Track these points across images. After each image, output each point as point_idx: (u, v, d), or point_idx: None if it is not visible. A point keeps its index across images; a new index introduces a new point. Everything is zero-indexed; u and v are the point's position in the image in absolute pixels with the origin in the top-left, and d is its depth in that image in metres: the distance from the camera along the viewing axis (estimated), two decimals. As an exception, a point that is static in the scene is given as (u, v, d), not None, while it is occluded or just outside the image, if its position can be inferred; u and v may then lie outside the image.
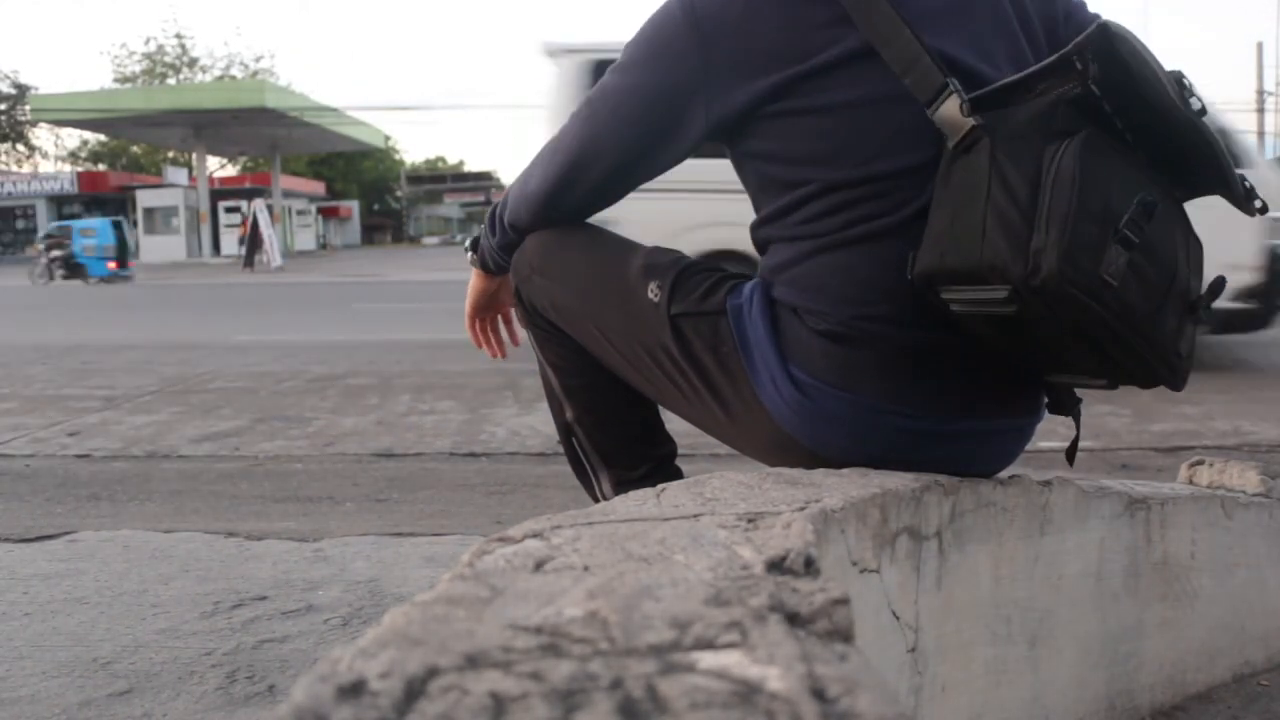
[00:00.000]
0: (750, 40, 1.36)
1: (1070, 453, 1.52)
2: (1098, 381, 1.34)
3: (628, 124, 1.47)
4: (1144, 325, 1.23)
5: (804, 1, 1.35)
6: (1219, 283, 1.31)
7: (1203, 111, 1.24)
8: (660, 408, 1.76)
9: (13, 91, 45.32)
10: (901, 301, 1.33)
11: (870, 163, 1.33)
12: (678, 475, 1.78)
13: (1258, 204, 1.30)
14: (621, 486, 1.78)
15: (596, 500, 1.84)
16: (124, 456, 3.85)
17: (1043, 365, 1.35)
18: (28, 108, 42.04)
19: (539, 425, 4.36)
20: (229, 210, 35.42)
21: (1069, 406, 1.47)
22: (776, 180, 1.41)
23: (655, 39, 1.44)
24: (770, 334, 1.42)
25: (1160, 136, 1.23)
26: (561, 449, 1.90)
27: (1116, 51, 1.17)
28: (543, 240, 1.73)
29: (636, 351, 1.60)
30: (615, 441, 1.86)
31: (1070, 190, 1.14)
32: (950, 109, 1.25)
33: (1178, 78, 1.23)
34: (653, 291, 1.55)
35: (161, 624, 1.97)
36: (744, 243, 1.66)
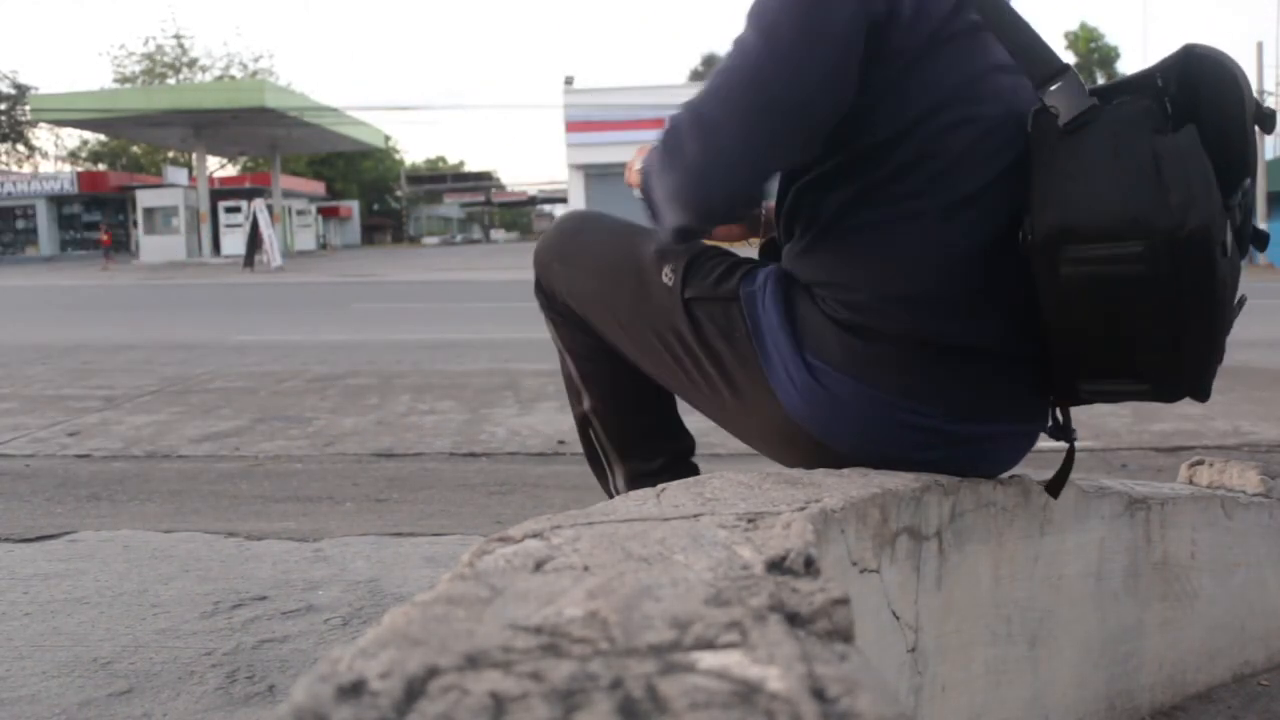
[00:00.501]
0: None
1: (1056, 486, 1.52)
2: (1138, 388, 1.36)
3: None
4: (1228, 306, 1.29)
5: None
6: (1241, 299, 1.37)
7: (1272, 126, 1.32)
8: (679, 402, 1.77)
9: (13, 91, 45.38)
10: (933, 285, 1.35)
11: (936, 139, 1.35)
12: (694, 472, 1.80)
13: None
14: (637, 480, 1.79)
15: (610, 495, 1.86)
16: (124, 456, 3.85)
17: (1097, 363, 1.36)
18: (28, 108, 42.06)
19: (539, 425, 4.36)
20: (229, 210, 35.41)
21: (1068, 433, 1.47)
22: (854, 137, 1.38)
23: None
24: (785, 320, 1.43)
25: (1221, 145, 1.28)
26: (580, 444, 1.92)
27: (1193, 71, 1.28)
28: (562, 228, 1.79)
29: (649, 336, 1.62)
30: (631, 432, 1.88)
31: (1203, 161, 1.21)
32: (1069, 88, 1.29)
33: (1257, 102, 1.30)
34: (666, 275, 1.56)
35: (161, 624, 1.97)
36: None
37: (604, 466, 1.91)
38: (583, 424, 1.90)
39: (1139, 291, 1.24)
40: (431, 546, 2.52)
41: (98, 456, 3.85)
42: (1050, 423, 1.48)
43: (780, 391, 1.44)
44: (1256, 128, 1.30)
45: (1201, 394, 1.34)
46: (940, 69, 1.35)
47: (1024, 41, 1.35)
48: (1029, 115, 1.32)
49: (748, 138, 1.35)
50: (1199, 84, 1.27)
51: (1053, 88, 1.30)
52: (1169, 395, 1.36)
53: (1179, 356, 1.29)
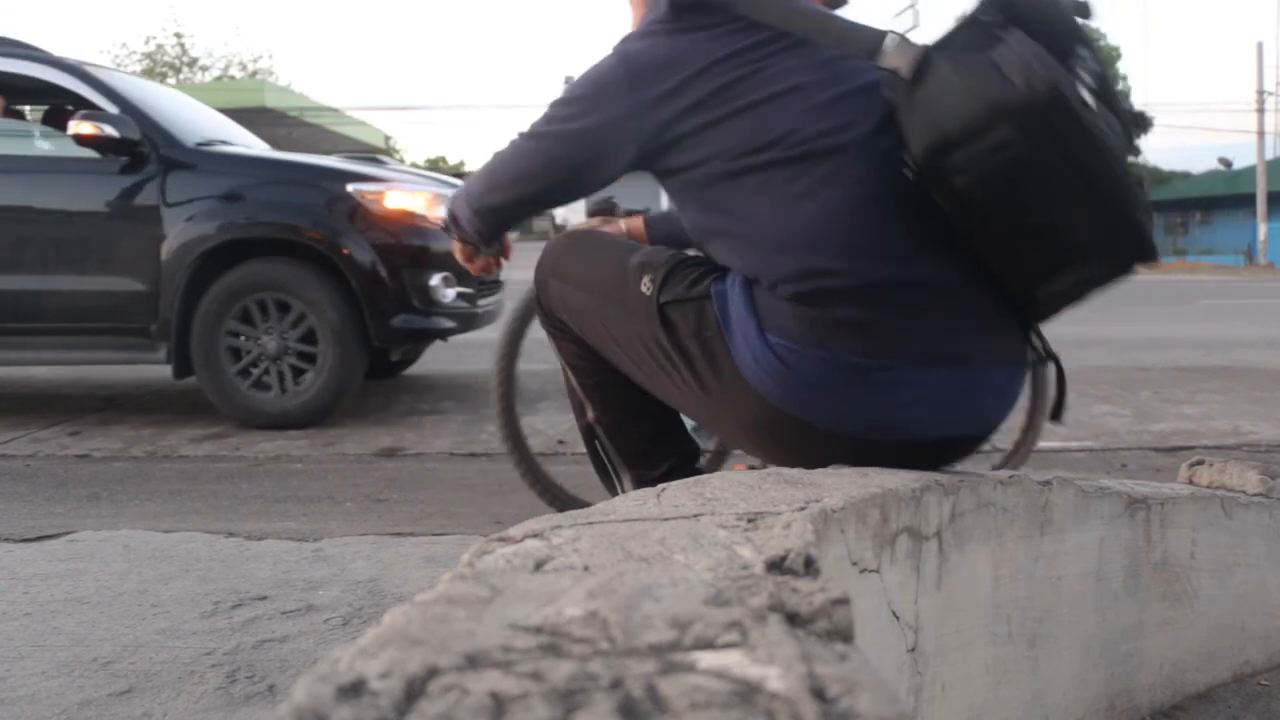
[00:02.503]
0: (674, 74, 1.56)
1: (1057, 410, 1.68)
2: (1088, 271, 1.45)
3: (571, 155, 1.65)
4: (1121, 164, 1.37)
5: (722, 37, 1.55)
6: (1144, 178, 1.47)
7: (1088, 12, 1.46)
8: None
9: (13, 91, 45.27)
10: (862, 240, 1.46)
11: (800, 140, 1.49)
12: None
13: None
14: (643, 485, 1.81)
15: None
16: (124, 457, 3.85)
17: (1036, 262, 1.45)
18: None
19: (540, 425, 4.36)
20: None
21: (1049, 355, 1.60)
22: (716, 176, 1.53)
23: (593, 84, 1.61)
24: (749, 309, 1.50)
25: (1047, 36, 1.39)
26: (586, 453, 1.98)
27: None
28: (557, 246, 1.88)
29: (636, 347, 1.67)
30: (635, 440, 1.95)
31: (1033, 45, 1.32)
32: (898, 48, 1.42)
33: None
34: (645, 285, 1.65)
35: (161, 624, 1.97)
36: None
37: (611, 474, 1.95)
38: (588, 434, 1.95)
39: (1029, 170, 1.32)
40: (431, 546, 2.52)
41: (98, 456, 3.85)
42: (1030, 354, 1.59)
43: (754, 379, 1.50)
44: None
45: (1148, 252, 1.41)
46: (776, 88, 1.51)
47: (837, 32, 1.50)
48: (879, 83, 1.47)
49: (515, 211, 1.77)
50: (1016, 5, 1.39)
51: (883, 53, 1.43)
52: (1118, 265, 1.43)
53: (1100, 215, 1.37)
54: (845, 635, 0.57)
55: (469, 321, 4.84)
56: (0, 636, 1.90)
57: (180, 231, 4.42)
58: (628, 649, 0.50)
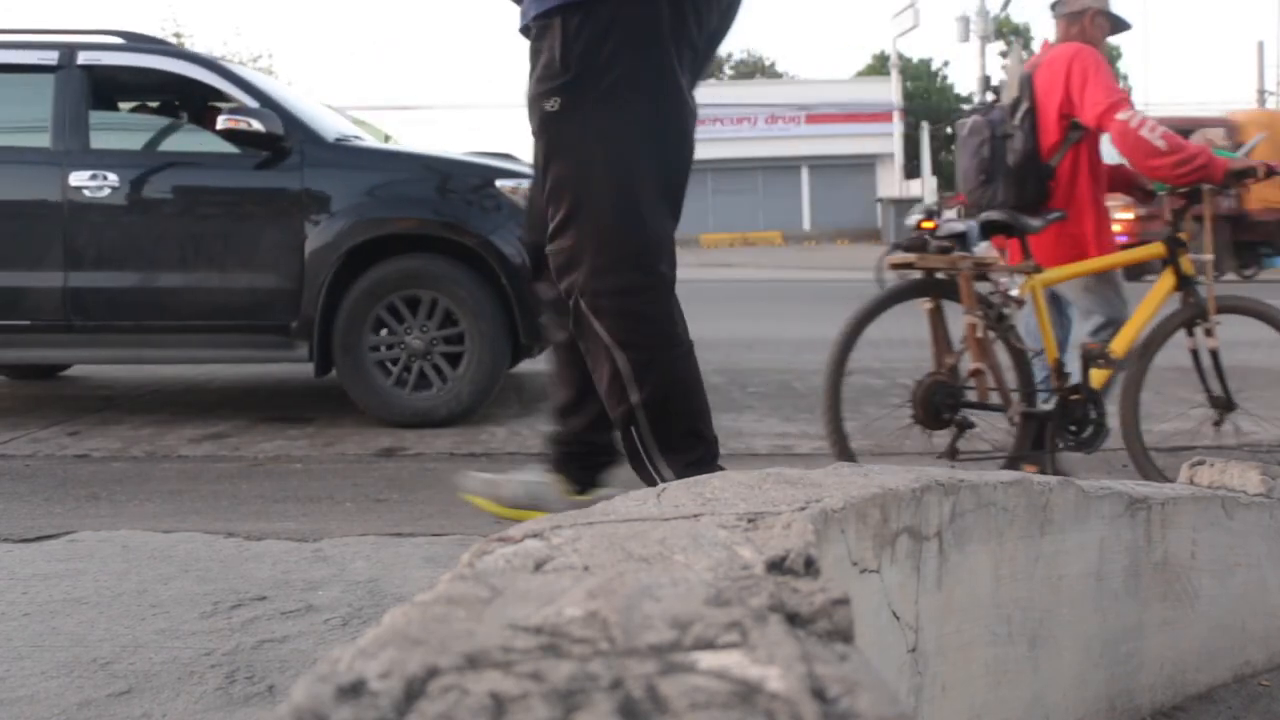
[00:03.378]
0: None
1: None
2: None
3: None
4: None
5: None
6: None
7: None
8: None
9: (13, 91, 45.21)
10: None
11: None
12: (720, 469, 1.96)
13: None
14: (687, 471, 2.04)
15: None
16: (123, 457, 3.85)
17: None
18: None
19: (540, 425, 4.35)
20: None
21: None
22: None
23: None
24: None
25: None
26: (621, 443, 2.22)
27: None
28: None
29: None
30: (678, 419, 2.15)
31: None
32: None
33: None
34: None
35: (161, 624, 1.97)
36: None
37: (647, 463, 2.06)
38: (626, 422, 2.07)
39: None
40: (431, 546, 2.52)
41: (97, 456, 3.85)
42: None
43: None
44: None
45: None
46: None
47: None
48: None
49: None
50: None
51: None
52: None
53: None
54: (845, 635, 0.57)
55: None
56: None
57: (324, 227, 4.36)
58: (628, 649, 0.50)
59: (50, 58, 4.49)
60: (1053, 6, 3.65)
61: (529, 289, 4.41)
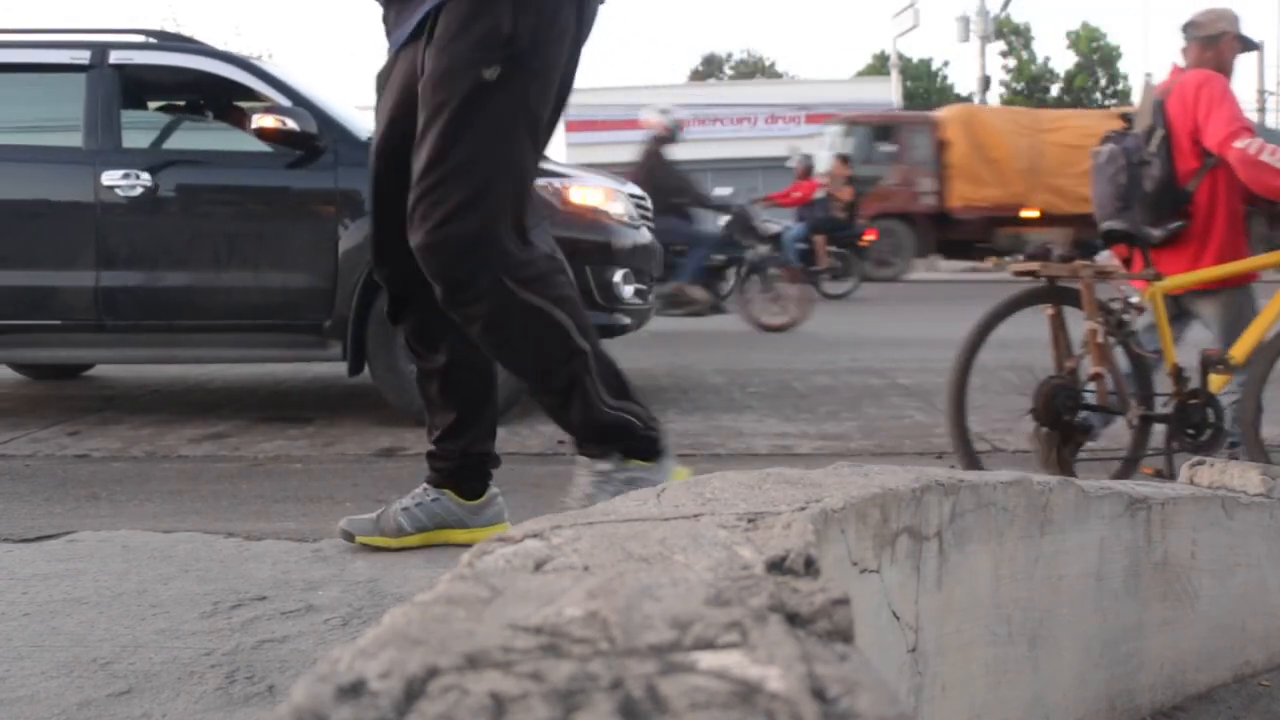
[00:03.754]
0: None
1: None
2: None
3: None
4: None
5: None
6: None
7: None
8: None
9: (13, 91, 45.22)
10: None
11: None
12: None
13: None
14: (638, 408, 2.28)
15: (635, 428, 2.27)
16: (123, 457, 3.85)
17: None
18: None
19: (540, 425, 4.35)
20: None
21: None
22: None
23: None
24: None
25: None
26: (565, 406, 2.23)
27: None
28: None
29: None
30: (609, 371, 2.26)
31: None
32: None
33: None
34: None
35: (161, 624, 1.97)
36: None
37: (606, 408, 2.14)
38: (576, 375, 2.18)
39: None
40: (431, 547, 2.52)
41: (97, 456, 3.85)
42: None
43: None
44: None
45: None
46: None
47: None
48: None
49: None
50: None
51: None
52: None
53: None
54: (845, 635, 0.57)
55: (642, 318, 4.82)
56: (-1, 637, 1.90)
57: (359, 227, 4.30)
58: (628, 649, 0.50)
59: (82, 57, 4.48)
60: (1184, 28, 3.69)
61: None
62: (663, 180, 8.02)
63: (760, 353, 7.06)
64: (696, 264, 8.24)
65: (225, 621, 1.98)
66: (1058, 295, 3.31)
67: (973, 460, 3.29)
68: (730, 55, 49.60)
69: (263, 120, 4.22)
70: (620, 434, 2.23)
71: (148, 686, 1.69)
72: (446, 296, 2.09)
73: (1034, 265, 3.38)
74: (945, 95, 40.54)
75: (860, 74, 40.37)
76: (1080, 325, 3.29)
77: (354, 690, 0.44)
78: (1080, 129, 17.30)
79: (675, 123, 8.53)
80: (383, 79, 2.33)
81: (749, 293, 8.65)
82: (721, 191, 9.90)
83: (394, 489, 3.34)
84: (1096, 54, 39.76)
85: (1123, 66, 40.92)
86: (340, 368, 4.58)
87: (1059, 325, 3.32)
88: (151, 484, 3.36)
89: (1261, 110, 31.98)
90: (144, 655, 1.82)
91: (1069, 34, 40.36)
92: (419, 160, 2.06)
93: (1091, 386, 3.26)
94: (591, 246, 4.46)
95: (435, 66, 2.05)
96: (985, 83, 31.38)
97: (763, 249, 8.95)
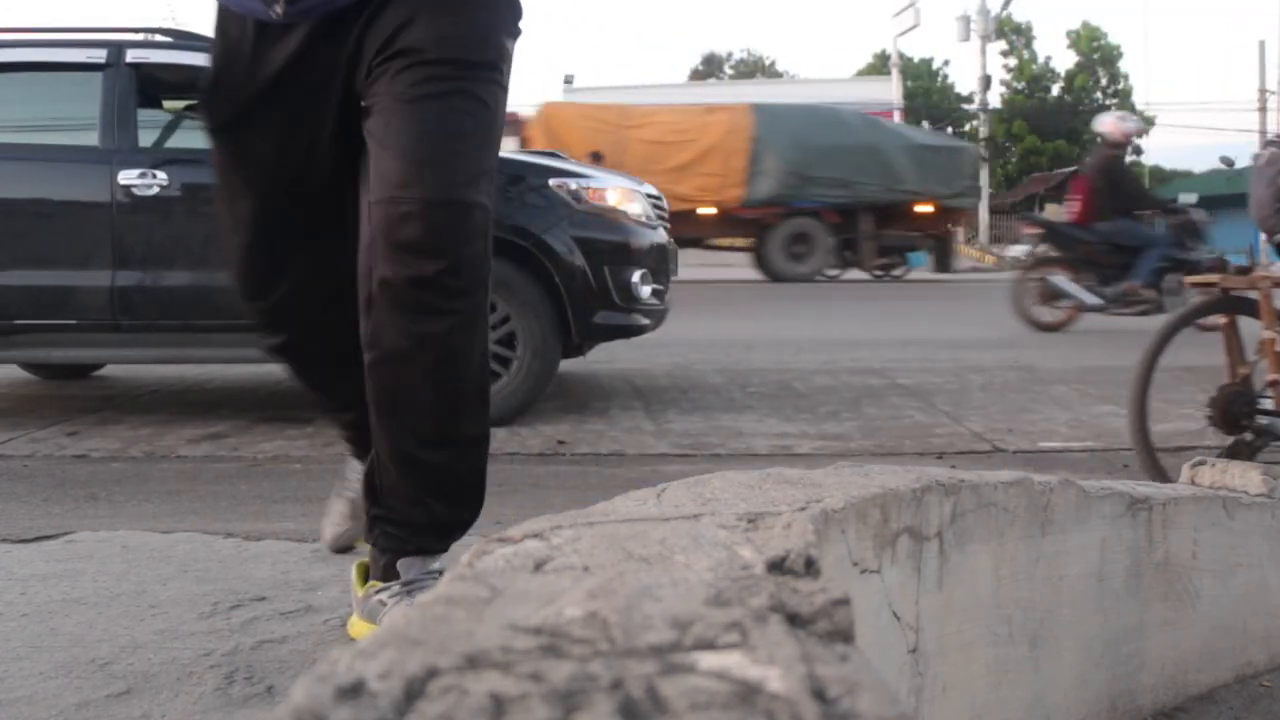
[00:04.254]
0: None
1: None
2: None
3: None
4: None
5: None
6: None
7: None
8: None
9: (12, 92, 45.24)
10: None
11: None
12: None
13: None
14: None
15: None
16: (122, 457, 3.85)
17: None
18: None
19: (540, 425, 4.35)
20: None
21: None
22: None
23: None
24: None
25: None
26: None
27: None
28: None
29: None
30: None
31: None
32: None
33: None
34: None
35: (160, 625, 1.97)
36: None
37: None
38: (487, 432, 1.89)
39: None
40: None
41: (95, 457, 3.85)
42: None
43: None
44: None
45: None
46: None
47: None
48: None
49: None
50: None
51: None
52: None
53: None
54: (846, 636, 0.57)
55: (660, 318, 4.82)
56: (-2, 637, 1.90)
57: None
58: (628, 649, 0.50)
59: (99, 55, 4.47)
60: None
61: (584, 289, 4.43)
62: (1123, 185, 8.74)
63: (760, 353, 7.06)
64: (1150, 265, 8.47)
65: (224, 622, 1.98)
66: (1233, 305, 3.44)
67: (1156, 467, 3.38)
68: (730, 55, 49.63)
69: None
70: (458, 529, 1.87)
71: (147, 687, 1.68)
72: (436, 278, 1.69)
73: (1214, 277, 3.57)
74: (946, 95, 40.59)
75: (861, 73, 40.35)
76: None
77: (353, 691, 0.44)
78: (668, 125, 17.41)
79: (1133, 129, 9.06)
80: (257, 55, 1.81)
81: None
82: (1186, 198, 10.09)
83: (393, 489, 3.34)
84: (1097, 54, 39.76)
85: (1123, 65, 40.94)
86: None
87: (1232, 334, 3.45)
88: (150, 484, 3.36)
89: (1263, 110, 31.97)
90: (143, 656, 1.81)
91: (1069, 33, 40.39)
92: (421, 124, 1.72)
93: (1269, 393, 3.37)
94: (609, 246, 4.46)
95: (453, 33, 1.77)
96: (986, 82, 31.41)
97: (1206, 252, 9.07)
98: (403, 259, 1.67)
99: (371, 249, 1.71)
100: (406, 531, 1.79)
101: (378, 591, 1.79)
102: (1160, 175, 41.91)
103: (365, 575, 1.86)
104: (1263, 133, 31.79)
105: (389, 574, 1.80)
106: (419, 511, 1.78)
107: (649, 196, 4.93)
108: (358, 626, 1.84)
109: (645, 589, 0.61)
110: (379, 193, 1.70)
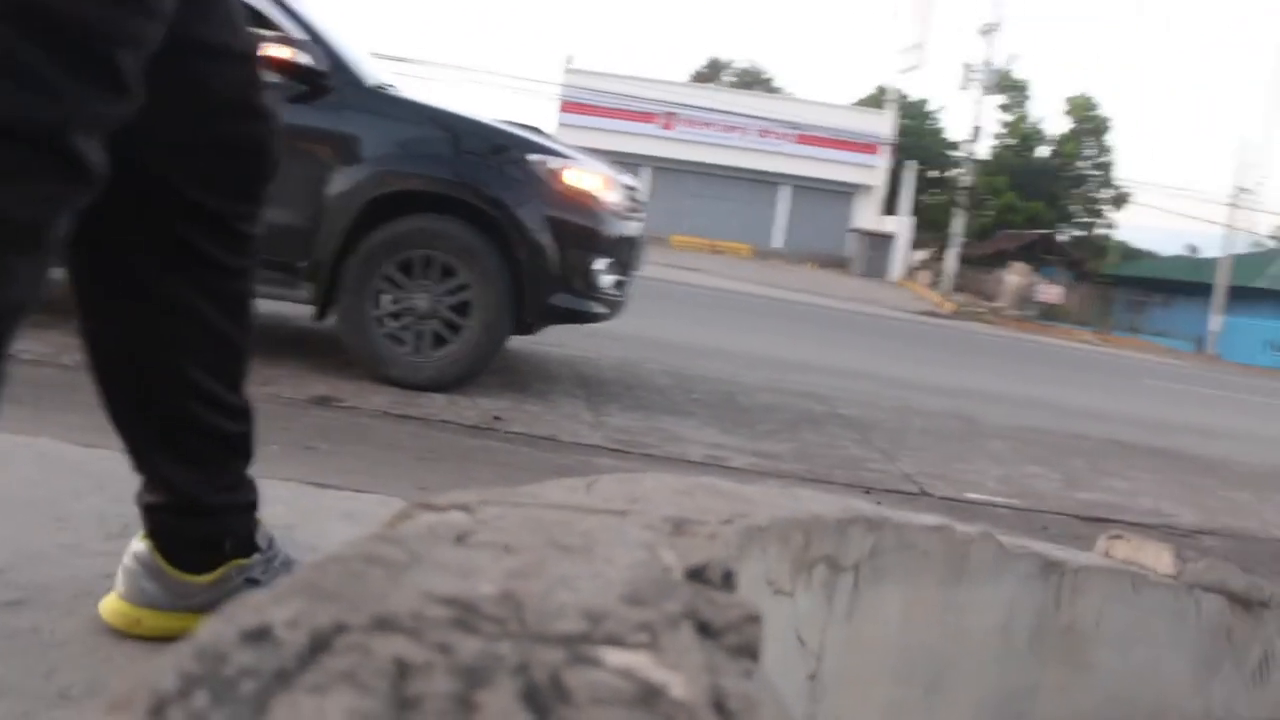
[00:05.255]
0: None
1: None
2: None
3: None
4: None
5: None
6: None
7: None
8: None
9: None
10: None
11: None
12: None
13: None
14: None
15: None
16: (53, 363, 3.77)
17: None
18: None
19: (479, 398, 4.34)
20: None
21: None
22: None
23: None
24: None
25: None
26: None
27: None
28: None
29: None
30: None
31: None
32: None
33: None
34: None
35: (65, 539, 1.93)
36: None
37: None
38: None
39: None
40: (352, 502, 2.50)
41: (26, 359, 3.77)
42: None
43: None
44: None
45: None
46: None
47: None
48: None
49: None
50: None
51: None
52: None
53: None
54: (753, 653, 0.58)
55: (618, 310, 4.79)
56: (-102, 526, 1.86)
57: (352, 172, 4.29)
58: (538, 634, 0.50)
59: None
60: None
61: (544, 266, 4.38)
62: None
63: (712, 361, 7.08)
64: None
65: (132, 545, 1.95)
66: None
67: None
68: (731, 62, 49.66)
69: (276, 49, 4.16)
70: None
71: (42, 600, 1.66)
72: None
73: None
74: (934, 138, 40.96)
75: (859, 103, 40.59)
76: None
77: (259, 635, 0.44)
78: None
79: None
80: None
81: None
82: None
83: (323, 438, 3.31)
84: (1090, 123, 40.35)
85: (1109, 139, 41.53)
86: (295, 310, 4.53)
87: None
88: (79, 395, 3.28)
89: (1234, 206, 32.68)
90: (43, 568, 1.78)
91: (1069, 99, 40.93)
92: (238, 28, 1.56)
93: None
94: (579, 230, 4.46)
95: None
96: (977, 132, 31.73)
97: None
98: None
99: None
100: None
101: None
102: (1126, 251, 42.59)
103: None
104: (1229, 229, 32.51)
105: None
106: None
107: (627, 187, 4.93)
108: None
109: (563, 578, 0.61)
110: None
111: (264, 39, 4.36)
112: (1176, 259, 40.11)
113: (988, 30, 30.59)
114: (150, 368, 1.53)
